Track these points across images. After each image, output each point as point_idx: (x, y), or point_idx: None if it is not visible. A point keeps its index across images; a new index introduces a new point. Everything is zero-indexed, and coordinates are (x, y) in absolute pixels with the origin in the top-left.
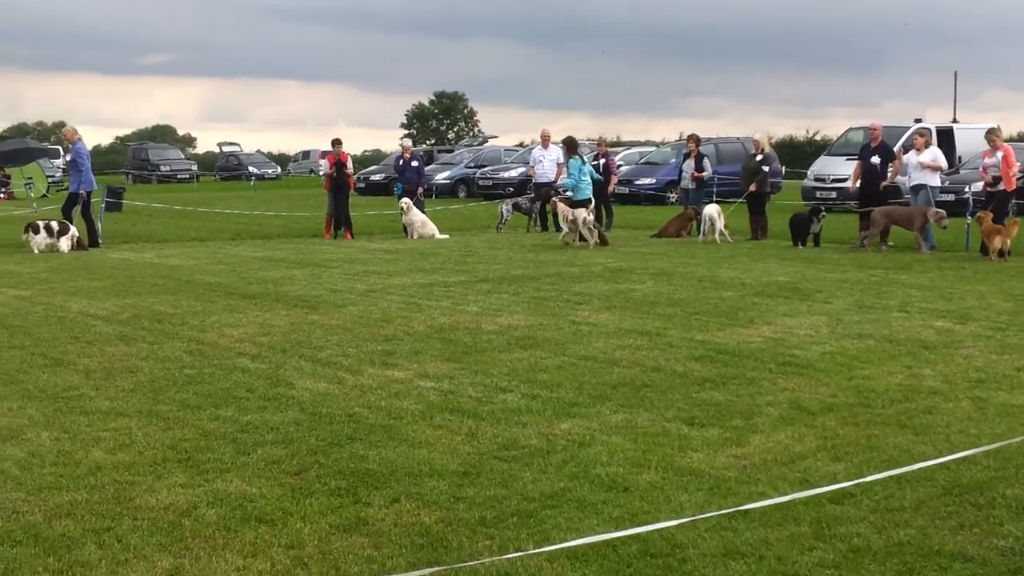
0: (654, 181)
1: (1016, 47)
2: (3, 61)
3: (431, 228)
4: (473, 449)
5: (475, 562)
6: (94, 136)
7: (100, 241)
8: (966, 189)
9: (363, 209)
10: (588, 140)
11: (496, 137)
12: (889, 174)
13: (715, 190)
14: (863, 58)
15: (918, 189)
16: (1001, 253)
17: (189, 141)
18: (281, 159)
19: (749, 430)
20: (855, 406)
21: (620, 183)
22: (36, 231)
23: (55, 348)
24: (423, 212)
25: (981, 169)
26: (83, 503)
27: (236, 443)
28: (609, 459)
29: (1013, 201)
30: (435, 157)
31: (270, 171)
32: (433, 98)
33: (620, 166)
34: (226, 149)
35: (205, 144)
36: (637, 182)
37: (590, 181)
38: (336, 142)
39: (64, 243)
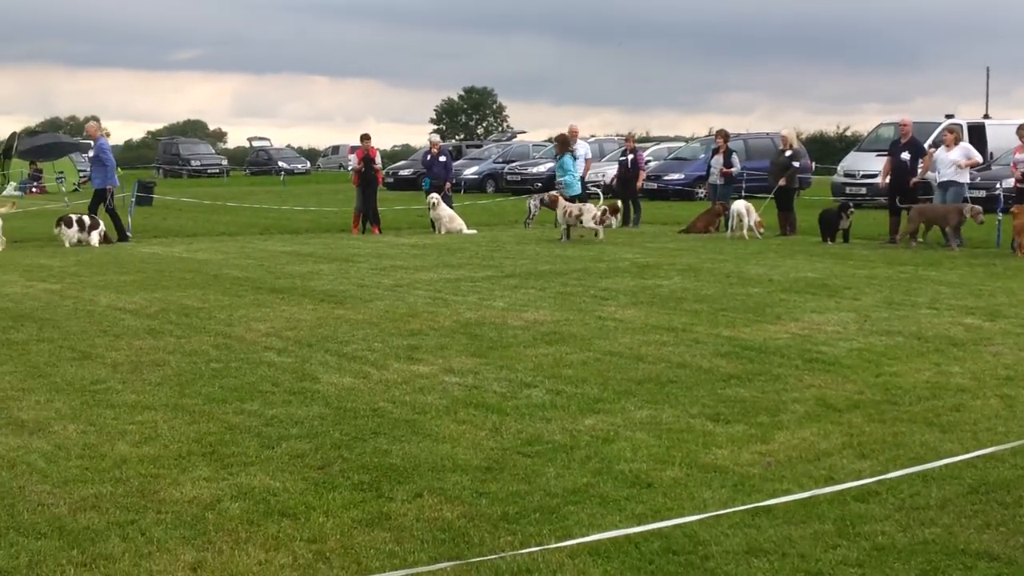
0: (683, 177)
1: None
2: (36, 56)
3: (459, 223)
4: (496, 444)
5: (496, 556)
6: (125, 131)
7: (129, 235)
8: (997, 185)
9: (391, 204)
10: (617, 136)
11: (525, 132)
12: (919, 170)
13: (744, 186)
14: (895, 53)
15: (947, 186)
16: None
17: (220, 136)
18: (311, 154)
19: (774, 427)
20: (882, 403)
21: (648, 179)
22: (68, 225)
23: (83, 341)
24: (451, 207)
25: (1012, 165)
26: (108, 496)
27: (261, 437)
28: (633, 455)
29: None
30: (463, 152)
31: (299, 166)
32: (462, 93)
33: (648, 162)
34: (256, 144)
35: (235, 139)
36: (666, 178)
37: (579, 178)
38: (365, 137)
39: (95, 237)
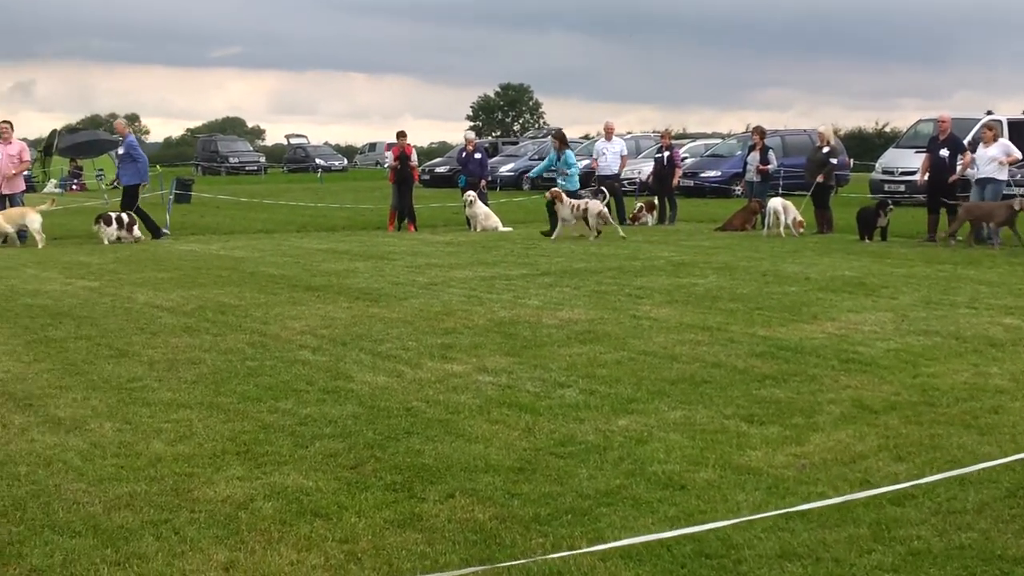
0: (719, 174)
1: None
2: (76, 53)
3: (494, 221)
4: (529, 445)
5: (527, 560)
6: (164, 128)
7: (166, 231)
8: None
9: (427, 201)
10: (653, 132)
11: (561, 129)
12: (959, 167)
13: (781, 183)
14: (935, 48)
15: (985, 183)
16: None
17: (258, 133)
18: (348, 151)
19: (809, 428)
20: (919, 405)
21: (685, 176)
22: (107, 223)
23: (121, 339)
24: (486, 204)
25: None
26: (142, 495)
27: (294, 436)
28: (666, 456)
29: None
30: (499, 149)
31: (337, 163)
32: (499, 90)
33: (685, 159)
34: (294, 141)
35: (273, 136)
36: (702, 175)
37: (577, 175)
38: (401, 134)
39: (136, 232)
